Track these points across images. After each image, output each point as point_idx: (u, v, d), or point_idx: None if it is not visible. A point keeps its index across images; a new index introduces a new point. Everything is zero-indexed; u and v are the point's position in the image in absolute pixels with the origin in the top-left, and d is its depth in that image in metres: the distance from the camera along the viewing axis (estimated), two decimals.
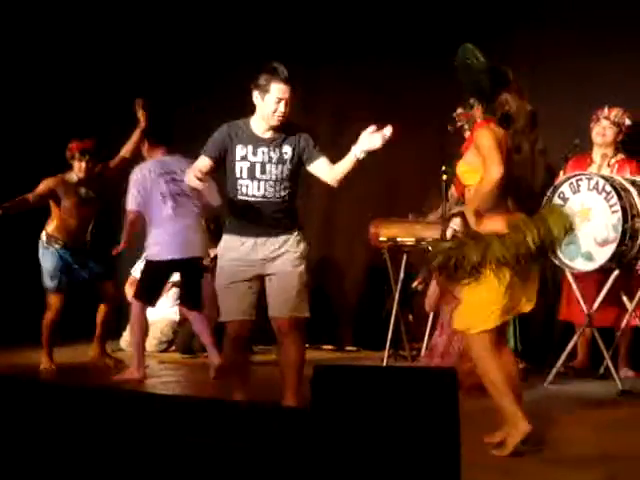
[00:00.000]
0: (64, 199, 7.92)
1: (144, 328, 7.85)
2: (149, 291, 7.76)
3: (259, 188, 5.77)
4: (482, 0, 8.76)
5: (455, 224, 6.88)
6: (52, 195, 7.95)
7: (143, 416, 4.22)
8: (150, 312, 9.46)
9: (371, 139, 5.66)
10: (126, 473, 4.07)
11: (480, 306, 4.95)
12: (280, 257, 5.78)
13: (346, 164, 5.75)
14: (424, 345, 7.42)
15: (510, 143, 4.98)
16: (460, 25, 8.53)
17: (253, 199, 5.76)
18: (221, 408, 4.78)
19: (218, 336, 6.95)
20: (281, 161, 5.79)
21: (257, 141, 5.77)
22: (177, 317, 9.37)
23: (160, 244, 7.63)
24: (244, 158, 5.74)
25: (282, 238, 5.78)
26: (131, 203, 7.62)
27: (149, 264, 7.78)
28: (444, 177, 7.84)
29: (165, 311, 9.40)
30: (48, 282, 7.93)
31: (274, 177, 5.78)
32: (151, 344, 9.22)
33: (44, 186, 7.94)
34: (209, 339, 7.62)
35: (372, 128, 5.66)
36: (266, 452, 3.71)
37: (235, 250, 5.75)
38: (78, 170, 7.98)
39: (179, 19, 10.20)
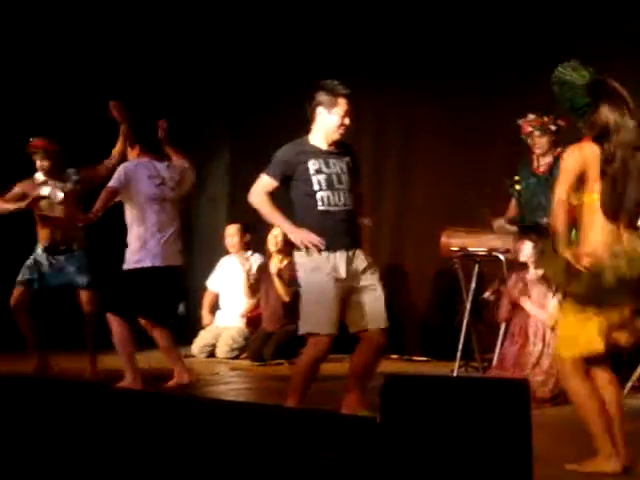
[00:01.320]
0: (38, 201, 7.94)
1: (129, 341, 7.34)
2: (128, 304, 7.32)
3: (339, 198, 5.87)
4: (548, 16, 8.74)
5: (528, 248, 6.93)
6: (24, 197, 7.92)
7: (204, 421, 4.28)
8: (222, 319, 9.61)
9: None
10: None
11: (578, 329, 4.78)
12: (369, 269, 5.90)
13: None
14: (495, 356, 7.36)
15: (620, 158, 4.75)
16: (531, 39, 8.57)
17: (336, 208, 5.87)
18: (290, 416, 4.82)
19: None
20: (348, 171, 5.94)
21: (326, 154, 5.90)
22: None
23: (142, 250, 7.33)
24: (319, 171, 5.83)
25: (361, 251, 5.93)
26: (114, 181, 7.32)
27: (129, 273, 7.37)
28: (517, 187, 7.92)
29: (236, 318, 9.52)
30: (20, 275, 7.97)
31: (348, 187, 5.90)
32: (222, 351, 9.34)
33: (17, 189, 7.97)
34: (177, 354, 7.49)
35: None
36: (335, 460, 3.70)
37: (324, 265, 5.80)
38: (40, 169, 8.01)
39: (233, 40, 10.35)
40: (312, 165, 5.85)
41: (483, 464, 3.63)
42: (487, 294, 7.72)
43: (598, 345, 4.75)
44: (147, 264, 7.27)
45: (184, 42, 10.48)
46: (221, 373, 8.55)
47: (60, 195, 7.95)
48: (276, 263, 9.14)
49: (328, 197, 5.85)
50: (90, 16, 10.08)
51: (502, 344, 7.26)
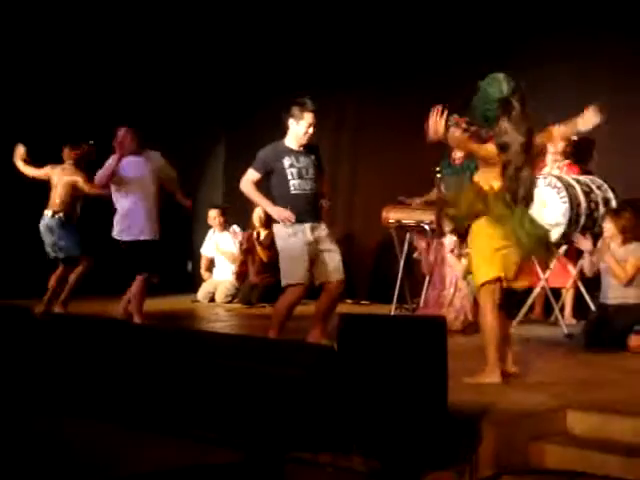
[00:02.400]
0: None
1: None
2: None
3: (306, 185, 5.92)
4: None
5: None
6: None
7: (206, 348, 4.27)
8: (217, 274, 9.56)
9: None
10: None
11: (482, 254, 4.72)
12: (328, 237, 5.97)
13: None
14: (421, 299, 7.37)
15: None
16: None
17: (303, 192, 5.91)
18: (271, 344, 4.83)
19: None
20: (313, 166, 5.99)
21: (297, 153, 5.96)
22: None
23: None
24: (291, 166, 5.87)
25: (322, 223, 5.99)
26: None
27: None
28: (438, 175, 7.89)
29: (228, 274, 9.49)
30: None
31: (313, 177, 5.93)
32: (220, 297, 9.32)
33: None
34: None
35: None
36: (303, 377, 3.72)
37: (296, 233, 5.85)
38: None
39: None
40: (286, 161, 5.94)
41: (413, 379, 3.68)
42: (415, 254, 7.71)
43: (499, 269, 4.69)
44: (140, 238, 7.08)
45: (185, 45, 9.74)
46: (219, 314, 8.54)
47: None
48: (261, 233, 9.18)
49: (299, 184, 5.93)
50: (91, 17, 9.18)
51: (426, 291, 7.26)
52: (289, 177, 5.93)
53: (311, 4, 9.29)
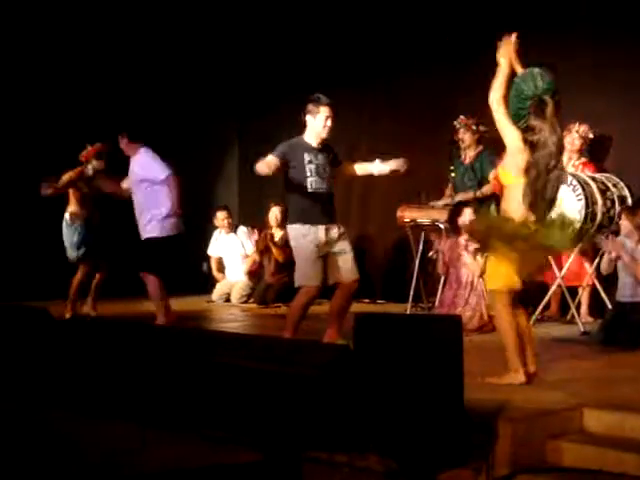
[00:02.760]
0: None
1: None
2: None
3: (323, 183, 5.91)
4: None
5: (468, 214, 6.88)
6: None
7: (228, 350, 4.26)
8: (230, 275, 9.59)
9: (395, 165, 6.02)
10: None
11: (502, 269, 4.67)
12: (341, 237, 5.95)
13: (364, 169, 6.17)
14: (437, 298, 7.39)
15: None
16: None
17: (320, 191, 5.90)
18: (287, 344, 4.84)
19: None
20: (329, 164, 5.99)
21: (316, 150, 5.94)
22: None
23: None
24: (310, 162, 5.86)
25: (337, 224, 5.98)
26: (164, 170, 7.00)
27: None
28: (452, 174, 7.93)
29: (241, 274, 9.53)
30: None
31: (330, 175, 5.95)
32: (235, 297, 9.36)
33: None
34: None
35: (400, 162, 6.01)
36: (318, 376, 3.68)
37: (309, 234, 5.83)
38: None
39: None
40: (306, 157, 5.90)
41: (429, 378, 3.69)
42: (431, 253, 7.71)
43: (516, 282, 4.67)
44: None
45: (197, 47, 9.76)
46: (235, 314, 8.57)
47: None
48: (276, 233, 9.22)
49: (316, 182, 5.91)
50: (101, 18, 9.14)
51: (442, 290, 7.27)
52: (307, 174, 5.88)
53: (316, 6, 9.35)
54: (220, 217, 9.65)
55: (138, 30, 9.42)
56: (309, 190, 5.89)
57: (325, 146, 6.03)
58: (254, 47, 9.90)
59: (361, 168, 6.24)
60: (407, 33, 8.90)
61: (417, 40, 8.83)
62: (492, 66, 4.65)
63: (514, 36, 4.57)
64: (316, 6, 9.40)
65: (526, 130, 4.55)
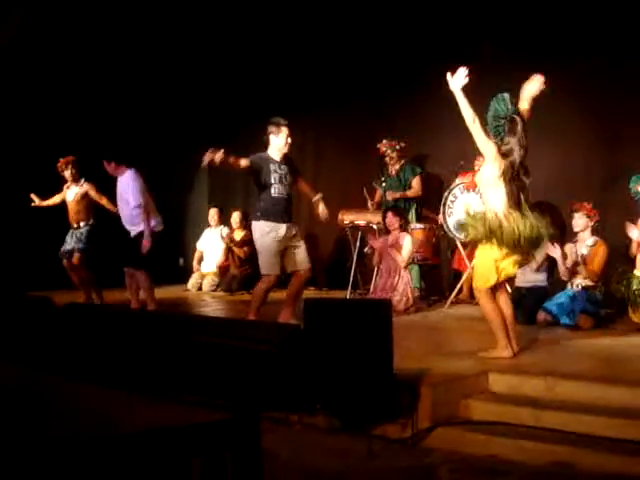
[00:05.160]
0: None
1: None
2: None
3: (284, 190, 5.93)
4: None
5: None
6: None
7: (201, 329, 4.28)
8: (204, 267, 9.52)
9: (321, 210, 6.16)
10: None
11: (487, 267, 4.57)
12: (296, 234, 5.97)
13: (307, 193, 6.27)
14: (371, 286, 7.39)
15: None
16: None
17: (281, 196, 5.92)
18: (250, 324, 4.83)
19: None
20: (289, 174, 6.00)
21: (278, 162, 5.97)
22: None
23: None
24: (275, 172, 5.89)
25: (294, 223, 6.00)
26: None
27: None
28: (382, 184, 7.98)
29: (213, 266, 9.45)
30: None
31: (289, 183, 5.97)
32: (206, 286, 9.29)
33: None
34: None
35: (324, 213, 6.17)
36: (273, 352, 3.72)
37: (272, 230, 5.83)
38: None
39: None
40: (272, 167, 5.93)
41: (364, 350, 3.70)
42: (366, 249, 7.73)
43: (495, 279, 4.58)
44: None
45: (187, 60, 9.36)
46: (207, 300, 8.52)
47: None
48: (237, 234, 9.24)
49: (279, 188, 5.93)
50: (99, 34, 8.49)
51: (375, 279, 7.27)
52: (272, 181, 5.91)
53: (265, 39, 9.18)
54: (211, 214, 9.68)
55: (120, 55, 8.90)
56: (273, 194, 5.91)
57: (288, 159, 6.06)
58: (223, 76, 9.75)
59: (306, 191, 6.30)
60: (351, 71, 8.85)
61: (357, 75, 8.80)
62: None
63: (464, 70, 4.46)
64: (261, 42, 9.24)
65: (501, 143, 4.52)
